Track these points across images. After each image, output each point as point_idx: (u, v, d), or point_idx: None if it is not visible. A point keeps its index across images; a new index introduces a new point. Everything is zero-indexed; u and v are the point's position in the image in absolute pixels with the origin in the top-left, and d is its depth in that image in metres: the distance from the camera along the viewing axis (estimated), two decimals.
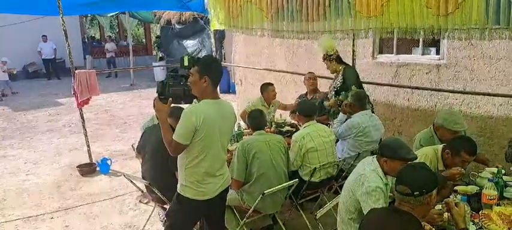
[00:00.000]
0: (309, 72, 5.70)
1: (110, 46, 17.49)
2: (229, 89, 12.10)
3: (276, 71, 8.10)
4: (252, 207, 3.60)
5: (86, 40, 19.64)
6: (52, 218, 4.71)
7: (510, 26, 3.49)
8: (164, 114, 2.79)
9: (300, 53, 7.74)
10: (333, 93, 5.02)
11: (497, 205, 2.80)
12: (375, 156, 2.86)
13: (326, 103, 5.13)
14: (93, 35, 22.70)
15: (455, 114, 3.88)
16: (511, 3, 3.45)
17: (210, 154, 2.85)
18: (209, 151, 2.83)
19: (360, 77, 5.82)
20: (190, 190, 2.88)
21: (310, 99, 5.41)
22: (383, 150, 2.79)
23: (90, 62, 17.07)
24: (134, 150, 4.28)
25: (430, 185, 2.20)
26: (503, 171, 3.22)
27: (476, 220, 2.61)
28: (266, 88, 5.48)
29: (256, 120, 3.88)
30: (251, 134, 4.04)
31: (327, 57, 5.07)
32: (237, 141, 4.42)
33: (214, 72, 2.83)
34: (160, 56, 17.03)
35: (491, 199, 2.76)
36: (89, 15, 21.24)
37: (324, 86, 5.91)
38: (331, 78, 6.49)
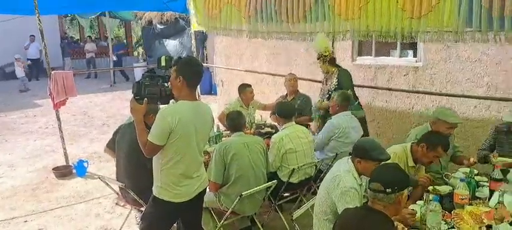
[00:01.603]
0: (290, 73, 5.70)
1: (89, 46, 17.20)
2: (212, 90, 12.04)
3: (257, 72, 8.11)
4: (230, 209, 3.58)
5: (67, 40, 19.29)
6: (26, 221, 4.60)
7: (482, 28, 3.57)
8: (140, 114, 2.75)
9: (281, 54, 7.77)
10: (327, 96, 4.97)
11: (469, 205, 2.85)
12: (350, 156, 2.89)
13: (317, 105, 5.09)
14: (72, 36, 22.28)
15: (450, 109, 4.03)
16: (482, 6, 3.53)
17: (186, 155, 2.82)
18: (185, 153, 2.80)
19: None
20: (167, 192, 2.85)
21: (290, 100, 5.42)
22: (357, 151, 2.82)
23: (68, 65, 16.74)
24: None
25: (402, 183, 2.24)
26: (475, 171, 3.28)
27: (448, 220, 2.65)
28: (244, 90, 5.47)
29: (234, 121, 3.87)
30: (230, 136, 4.03)
31: (321, 58, 5.01)
32: (216, 143, 4.39)
33: (190, 73, 2.80)
34: (114, 59, 16.16)
35: (463, 199, 2.81)
36: (69, 15, 20.89)
37: (304, 88, 5.94)
38: (314, 80, 6.56)
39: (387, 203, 2.22)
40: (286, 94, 5.63)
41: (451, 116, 3.65)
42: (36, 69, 16.65)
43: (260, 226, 3.97)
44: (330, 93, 4.92)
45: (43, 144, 7.70)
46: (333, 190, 2.75)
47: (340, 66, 5.13)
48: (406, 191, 2.25)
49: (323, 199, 2.86)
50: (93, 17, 16.22)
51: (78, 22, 19.87)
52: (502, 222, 2.48)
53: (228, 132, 4.42)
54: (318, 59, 5.07)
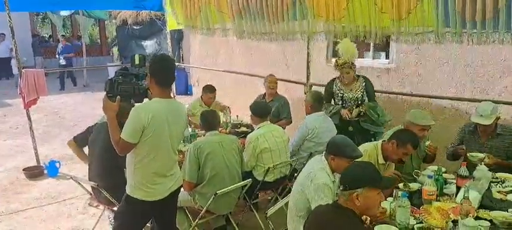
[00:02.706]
0: (270, 75, 5.62)
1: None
2: (187, 91, 11.87)
3: (233, 72, 8.12)
4: (204, 208, 3.58)
5: (38, 39, 18.74)
6: None
7: (456, 30, 3.71)
8: (112, 112, 2.72)
9: (257, 54, 7.80)
10: (357, 102, 4.71)
11: (437, 201, 2.95)
12: (324, 154, 2.94)
13: (344, 114, 4.64)
14: (43, 35, 21.69)
15: (422, 111, 4.08)
16: (456, 11, 3.67)
17: (160, 153, 2.81)
18: (158, 151, 2.79)
19: (315, 80, 5.96)
20: (140, 191, 2.83)
21: (269, 102, 5.34)
22: (330, 148, 2.88)
23: (40, 64, 16.25)
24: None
25: (357, 182, 2.22)
26: (443, 169, 3.39)
27: (417, 215, 2.73)
28: (205, 92, 5.53)
29: (208, 120, 3.87)
30: (204, 135, 4.02)
31: (352, 66, 4.65)
32: (190, 142, 4.37)
33: (159, 71, 2.78)
34: (63, 63, 14.53)
35: (430, 195, 2.90)
36: (41, 14, 20.38)
37: (280, 89, 5.94)
38: (290, 81, 6.60)
39: (346, 199, 2.24)
40: (264, 95, 5.62)
41: (422, 119, 3.71)
42: (6, 68, 16.14)
43: (235, 225, 3.98)
44: (357, 102, 4.69)
45: (13, 144, 7.50)
46: (307, 187, 2.80)
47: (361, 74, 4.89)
48: (363, 191, 2.19)
49: (297, 196, 2.90)
50: (67, 15, 15.68)
51: (51, 20, 19.40)
52: (467, 217, 2.57)
53: (202, 131, 4.41)
54: (343, 67, 4.65)
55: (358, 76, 4.81)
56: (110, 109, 2.72)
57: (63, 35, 18.46)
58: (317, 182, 2.74)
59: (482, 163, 3.41)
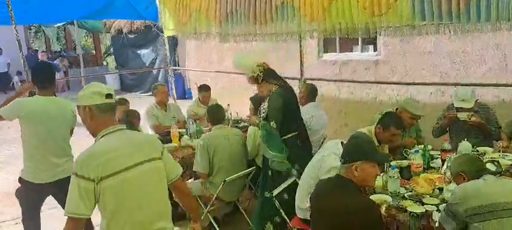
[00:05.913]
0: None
1: (63, 64, 16.99)
2: (185, 95, 11.94)
3: (227, 73, 8.42)
4: (215, 195, 3.91)
5: (31, 52, 18.94)
6: (16, 223, 4.73)
7: (434, 22, 4.04)
8: None
9: (251, 55, 8.10)
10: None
11: (425, 173, 3.30)
12: (341, 141, 3.15)
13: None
14: (36, 48, 21.80)
15: (416, 102, 4.38)
16: (433, 4, 4.01)
17: (42, 142, 3.32)
18: (39, 140, 3.31)
19: (307, 74, 6.24)
20: (26, 173, 3.40)
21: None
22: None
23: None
24: None
25: (355, 155, 2.51)
26: (430, 146, 3.73)
27: (407, 186, 3.08)
28: (200, 91, 5.91)
29: (214, 114, 4.21)
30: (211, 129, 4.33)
31: (254, 80, 3.83)
32: (197, 138, 4.68)
33: (36, 75, 3.43)
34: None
35: (418, 167, 3.25)
36: (33, 27, 20.55)
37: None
38: (287, 78, 6.83)
39: (346, 171, 2.52)
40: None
41: (416, 108, 4.02)
42: (4, 83, 16.35)
43: (243, 211, 4.29)
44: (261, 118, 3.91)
45: (10, 154, 7.76)
46: (318, 170, 3.06)
47: (282, 82, 3.89)
48: (360, 163, 2.46)
49: (311, 174, 3.15)
50: (60, 24, 15.84)
51: (44, 33, 19.58)
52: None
53: (207, 127, 4.71)
54: (250, 83, 3.90)
55: (275, 88, 3.79)
56: None
57: (61, 55, 18.54)
58: (326, 165, 3.01)
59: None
